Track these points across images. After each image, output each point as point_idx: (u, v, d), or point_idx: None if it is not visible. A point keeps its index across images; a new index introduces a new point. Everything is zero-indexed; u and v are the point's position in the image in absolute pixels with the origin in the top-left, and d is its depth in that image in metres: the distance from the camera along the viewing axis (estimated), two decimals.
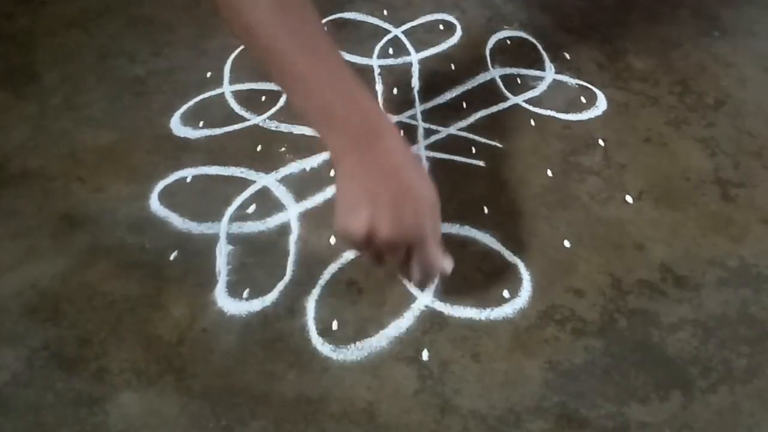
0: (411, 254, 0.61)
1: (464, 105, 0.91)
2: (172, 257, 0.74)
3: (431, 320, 0.68)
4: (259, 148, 0.86)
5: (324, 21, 1.06)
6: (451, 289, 0.71)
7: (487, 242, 0.75)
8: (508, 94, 0.93)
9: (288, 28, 0.62)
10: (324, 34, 0.63)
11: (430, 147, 0.85)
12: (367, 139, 0.60)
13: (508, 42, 1.03)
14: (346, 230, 0.59)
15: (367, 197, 0.58)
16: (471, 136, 0.87)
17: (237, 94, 0.94)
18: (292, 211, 0.78)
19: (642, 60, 0.99)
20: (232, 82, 0.96)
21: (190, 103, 0.92)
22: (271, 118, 0.90)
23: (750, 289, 0.71)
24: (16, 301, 0.70)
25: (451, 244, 0.75)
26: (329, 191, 0.80)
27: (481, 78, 0.96)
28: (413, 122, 0.89)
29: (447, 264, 0.65)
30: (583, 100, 0.92)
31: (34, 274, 0.72)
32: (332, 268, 0.73)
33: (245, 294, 0.70)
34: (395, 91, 0.93)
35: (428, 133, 0.87)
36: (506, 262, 0.73)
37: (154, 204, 0.79)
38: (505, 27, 1.05)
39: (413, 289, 0.71)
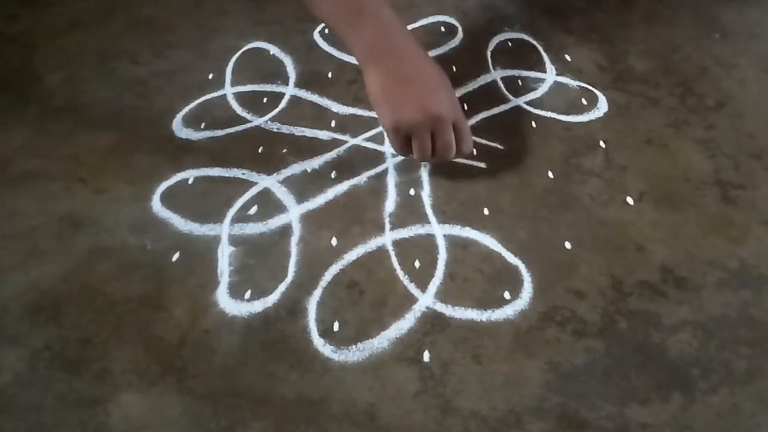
0: (434, 136, 0.73)
1: (465, 107, 0.91)
2: (173, 258, 0.74)
3: (432, 321, 0.68)
4: (260, 149, 0.86)
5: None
6: (452, 291, 0.71)
7: (488, 243, 0.75)
8: (510, 96, 0.93)
9: None
10: None
11: None
12: (385, 43, 0.73)
13: (509, 44, 1.03)
14: (387, 125, 0.73)
15: (390, 94, 0.72)
16: (474, 138, 0.87)
17: (239, 96, 0.94)
18: (293, 213, 0.79)
19: (643, 62, 0.99)
20: (233, 83, 0.96)
21: (192, 104, 0.92)
22: (272, 119, 0.90)
23: (750, 290, 0.71)
24: (18, 302, 0.70)
25: (453, 245, 0.75)
26: (330, 192, 0.80)
27: (483, 80, 0.96)
28: None
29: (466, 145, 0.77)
30: (584, 101, 0.92)
31: (36, 275, 0.72)
32: (333, 269, 0.73)
33: (247, 295, 0.71)
34: None
35: None
36: (507, 264, 0.73)
37: (156, 205, 0.79)
38: (506, 29, 1.05)
39: (415, 290, 0.71)
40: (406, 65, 0.73)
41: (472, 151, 0.81)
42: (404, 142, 0.75)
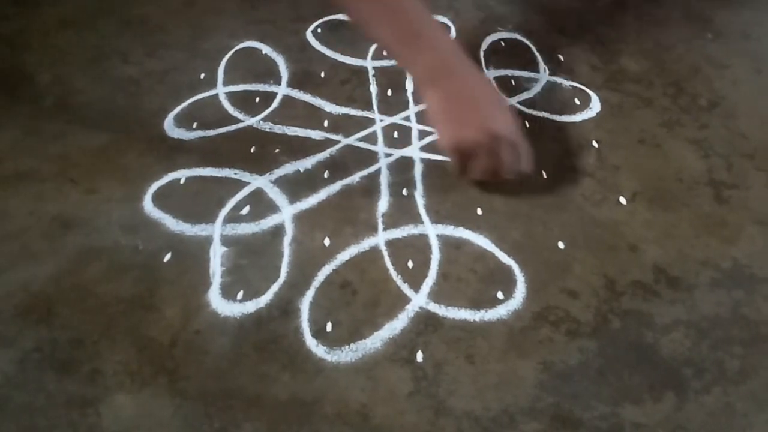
0: (493, 155, 0.74)
1: None
2: (165, 259, 0.73)
3: (425, 322, 0.68)
4: (253, 149, 0.86)
5: (318, 22, 1.06)
6: (445, 291, 0.71)
7: (482, 243, 0.75)
8: (502, 96, 0.93)
9: None
10: None
11: (424, 148, 0.85)
12: (445, 66, 0.75)
13: (502, 43, 1.03)
14: (440, 142, 0.76)
15: (451, 114, 0.75)
16: None
17: (231, 96, 0.94)
18: (286, 213, 0.78)
19: (636, 62, 0.99)
20: (226, 83, 0.95)
21: (184, 104, 0.92)
22: (265, 119, 0.90)
23: (743, 290, 0.71)
24: (9, 303, 0.70)
25: (446, 245, 0.75)
26: (323, 192, 0.80)
27: None
28: (407, 124, 0.89)
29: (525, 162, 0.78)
30: (576, 101, 0.92)
31: (27, 276, 0.72)
32: (326, 269, 0.73)
33: (239, 296, 0.70)
34: (389, 92, 0.93)
35: (422, 134, 0.87)
36: (500, 264, 0.73)
37: (148, 205, 0.79)
38: (499, 28, 1.05)
39: (408, 291, 0.71)
40: (465, 86, 0.75)
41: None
42: (463, 161, 0.77)
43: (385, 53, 0.98)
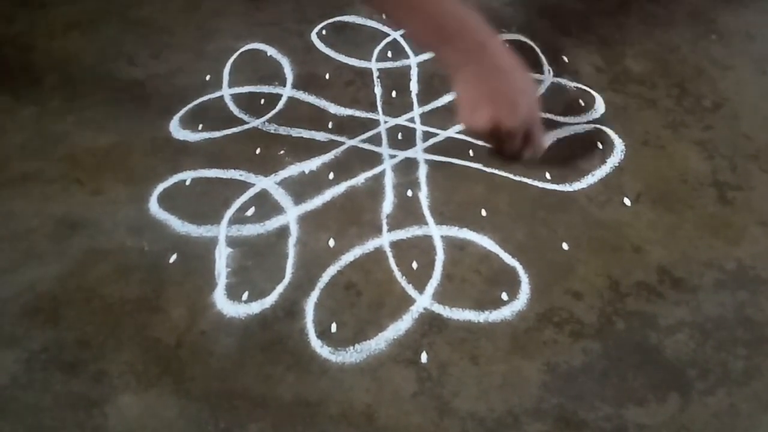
0: (526, 138, 0.78)
1: None
2: (171, 260, 0.74)
3: (430, 322, 0.68)
4: (258, 150, 0.86)
5: (323, 24, 1.06)
6: (449, 292, 0.71)
7: (486, 245, 0.75)
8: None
9: None
10: None
11: (429, 150, 0.86)
12: (476, 50, 0.75)
13: (507, 45, 1.03)
14: (474, 127, 0.77)
15: (486, 98, 0.75)
16: (469, 138, 0.87)
17: (236, 97, 0.94)
18: (291, 214, 0.78)
19: (640, 63, 0.99)
20: (231, 84, 0.96)
21: (189, 105, 0.92)
22: (270, 121, 0.90)
23: (747, 291, 0.71)
24: (15, 304, 0.70)
25: (450, 246, 0.75)
26: (328, 194, 0.80)
27: None
28: (412, 125, 0.89)
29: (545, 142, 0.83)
30: (581, 103, 0.92)
31: (33, 277, 0.72)
32: (331, 270, 0.73)
33: (244, 297, 0.71)
34: (394, 94, 0.93)
35: (427, 136, 0.88)
36: (505, 265, 0.73)
37: (154, 207, 0.79)
38: (504, 30, 1.05)
39: (412, 292, 0.71)
40: (496, 72, 0.76)
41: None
42: (496, 142, 0.80)
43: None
